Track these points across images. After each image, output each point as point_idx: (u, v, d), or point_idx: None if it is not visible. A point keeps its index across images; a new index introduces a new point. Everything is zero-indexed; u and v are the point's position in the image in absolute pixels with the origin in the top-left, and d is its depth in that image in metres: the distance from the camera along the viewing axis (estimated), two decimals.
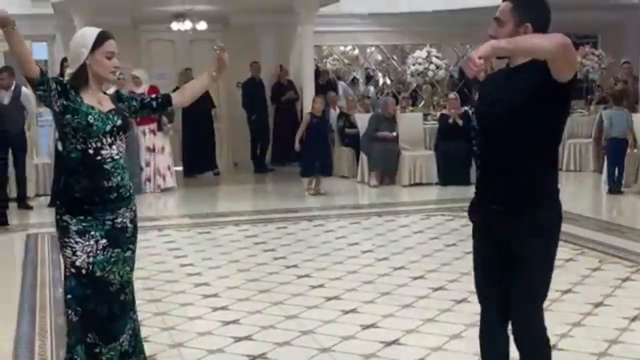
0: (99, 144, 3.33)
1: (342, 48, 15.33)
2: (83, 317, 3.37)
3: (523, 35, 2.72)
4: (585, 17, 13.38)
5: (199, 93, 3.79)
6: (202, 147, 11.83)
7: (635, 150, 9.77)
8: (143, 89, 10.11)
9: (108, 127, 3.34)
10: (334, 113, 11.83)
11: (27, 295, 5.60)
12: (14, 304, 5.35)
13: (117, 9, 11.45)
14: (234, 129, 12.90)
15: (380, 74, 16.48)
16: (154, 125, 10.46)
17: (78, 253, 3.34)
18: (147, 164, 10.46)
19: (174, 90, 4.03)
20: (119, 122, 3.40)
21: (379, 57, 16.15)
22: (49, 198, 9.28)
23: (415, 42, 13.93)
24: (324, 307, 5.06)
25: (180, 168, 11.75)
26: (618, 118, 9.74)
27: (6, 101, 8.86)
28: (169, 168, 10.64)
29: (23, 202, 9.24)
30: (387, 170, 10.66)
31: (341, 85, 14.47)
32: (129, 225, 3.46)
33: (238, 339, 4.46)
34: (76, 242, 3.33)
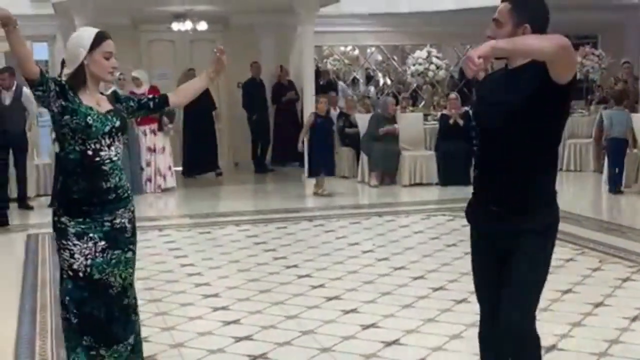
0: (97, 145, 3.31)
1: (342, 48, 15.32)
2: (80, 320, 3.34)
3: (522, 36, 2.71)
4: (586, 17, 13.38)
5: (196, 93, 3.77)
6: (203, 147, 11.80)
7: (635, 150, 9.78)
8: (143, 89, 10.11)
9: (107, 128, 3.32)
10: (334, 113, 11.82)
11: (28, 295, 5.60)
12: (14, 304, 5.36)
13: (117, 9, 11.45)
14: (234, 129, 12.91)
15: (380, 74, 16.48)
16: (154, 126, 10.46)
17: (76, 256, 3.31)
18: (148, 164, 10.46)
19: None
20: (118, 123, 3.38)
21: (379, 58, 16.15)
22: (49, 198, 9.27)
23: (415, 43, 13.92)
24: (324, 307, 5.06)
25: (179, 168, 11.74)
26: (618, 118, 9.74)
27: (7, 101, 8.87)
28: (169, 168, 10.65)
29: (23, 203, 9.25)
30: (387, 170, 10.66)
31: (340, 85, 14.47)
32: (128, 225, 3.43)
33: (238, 339, 4.46)
34: (74, 245, 3.30)
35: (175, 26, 11.82)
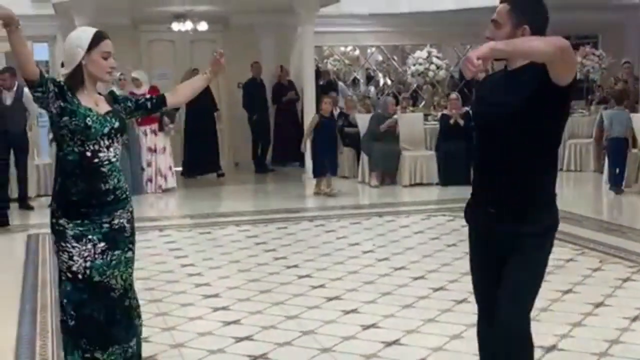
0: (96, 147, 3.28)
1: (342, 48, 15.33)
2: (78, 323, 3.32)
3: (521, 38, 2.69)
4: (586, 17, 13.38)
5: (194, 93, 3.76)
6: (204, 148, 11.77)
7: (635, 150, 9.78)
8: (144, 89, 10.11)
9: (106, 130, 3.30)
10: (334, 113, 11.83)
11: (28, 295, 5.60)
12: (15, 304, 5.36)
13: (117, 9, 11.46)
14: (234, 129, 12.91)
15: (380, 75, 16.48)
16: (155, 126, 10.47)
17: (75, 258, 3.29)
18: (149, 165, 10.46)
19: None
20: (117, 124, 3.36)
21: (380, 58, 16.16)
22: (49, 198, 9.25)
23: (415, 43, 13.93)
24: (324, 308, 5.06)
25: (179, 169, 11.73)
26: (618, 118, 9.75)
27: (9, 102, 8.87)
28: (170, 168, 10.65)
29: (24, 203, 9.25)
30: (387, 170, 10.66)
31: (339, 85, 14.46)
32: (127, 225, 3.42)
33: (239, 339, 4.46)
34: (73, 247, 3.28)
35: (176, 26, 11.82)
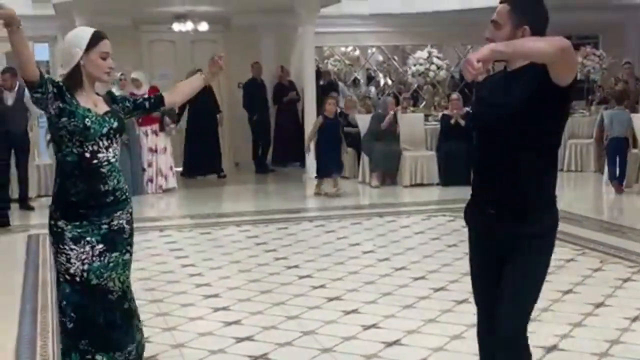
0: (95, 147, 3.27)
1: (343, 49, 15.33)
2: (77, 324, 3.31)
3: (522, 38, 2.67)
4: (586, 17, 13.38)
5: (192, 92, 3.77)
6: (206, 150, 11.74)
7: (635, 150, 9.78)
8: (144, 90, 10.11)
9: (105, 130, 3.29)
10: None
11: (29, 295, 5.61)
12: (15, 304, 5.36)
13: (118, 9, 11.46)
14: (235, 130, 12.91)
15: (381, 75, 16.48)
16: (156, 126, 10.47)
17: (72, 260, 3.28)
18: (150, 165, 10.46)
19: None
20: (116, 124, 3.35)
21: (380, 58, 16.16)
22: (50, 199, 9.27)
23: (416, 43, 13.93)
24: (325, 308, 5.06)
25: (179, 169, 11.72)
26: (619, 117, 9.76)
27: (10, 102, 8.87)
28: (171, 168, 10.66)
29: (25, 203, 9.26)
30: (388, 170, 10.66)
31: (339, 85, 14.46)
32: (126, 226, 3.40)
33: (239, 340, 4.46)
34: (71, 249, 3.27)
35: (176, 27, 11.83)
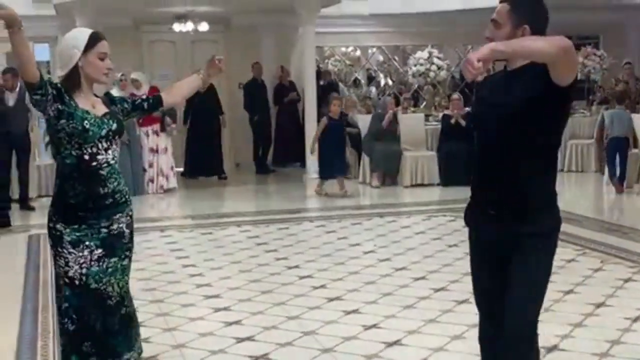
0: (94, 149, 3.25)
1: (343, 49, 15.33)
2: (79, 327, 3.29)
3: (522, 38, 2.66)
4: (587, 17, 13.38)
5: (190, 92, 3.75)
6: (208, 151, 11.69)
7: (635, 151, 9.77)
8: (144, 90, 10.10)
9: (104, 132, 3.26)
10: None
11: (30, 295, 5.61)
12: (16, 304, 5.37)
13: (119, 10, 11.47)
14: (235, 130, 12.90)
15: (381, 75, 16.47)
16: (157, 126, 10.47)
17: (70, 264, 3.26)
18: (150, 165, 10.46)
19: None
20: (115, 126, 3.32)
21: (381, 58, 16.15)
22: (50, 199, 9.28)
23: (416, 43, 13.93)
24: (325, 308, 5.06)
25: (180, 169, 11.72)
26: (619, 117, 9.76)
27: (11, 103, 8.86)
28: (172, 168, 10.66)
29: (25, 203, 9.25)
30: (388, 171, 10.66)
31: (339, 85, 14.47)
32: (126, 230, 3.38)
33: (240, 340, 4.47)
34: (69, 253, 3.25)
35: (177, 27, 11.83)
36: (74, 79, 3.27)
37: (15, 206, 9.03)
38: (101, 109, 3.34)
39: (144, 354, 3.69)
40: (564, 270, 5.72)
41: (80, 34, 3.32)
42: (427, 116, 11.52)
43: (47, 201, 9.47)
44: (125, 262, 3.40)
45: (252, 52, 12.61)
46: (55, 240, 3.30)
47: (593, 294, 5.22)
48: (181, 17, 11.70)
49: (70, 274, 3.27)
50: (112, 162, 3.32)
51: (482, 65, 2.44)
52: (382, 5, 13.30)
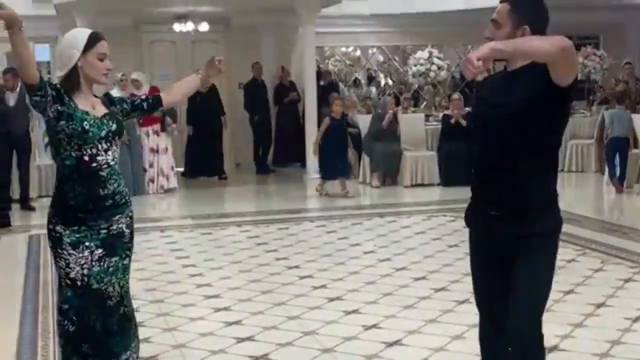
0: (94, 150, 3.23)
1: (343, 49, 15.34)
2: (79, 328, 3.28)
3: (522, 38, 2.66)
4: (587, 18, 13.38)
5: (189, 92, 3.74)
6: (209, 152, 11.68)
7: (636, 151, 9.77)
8: (144, 90, 10.10)
9: (103, 133, 3.25)
10: None
11: (30, 296, 5.61)
12: (16, 304, 5.37)
13: (119, 10, 11.47)
14: (236, 130, 12.90)
15: (382, 75, 16.48)
16: (157, 126, 10.47)
17: (71, 265, 3.24)
18: (151, 165, 10.46)
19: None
20: (114, 126, 3.31)
21: (381, 58, 16.15)
22: (50, 199, 9.28)
23: (416, 43, 13.93)
24: (325, 308, 5.07)
25: (180, 169, 11.72)
26: (619, 117, 9.76)
27: (12, 103, 8.86)
28: (172, 168, 10.66)
29: (26, 204, 9.26)
30: (389, 171, 10.66)
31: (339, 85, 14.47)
32: (126, 230, 3.36)
33: (240, 340, 4.47)
34: (69, 254, 3.24)
35: (177, 27, 11.83)
36: (73, 80, 3.26)
37: (15, 206, 9.03)
38: (101, 110, 3.32)
39: (144, 354, 3.69)
40: (565, 271, 5.72)
41: (80, 34, 3.30)
42: (427, 116, 11.52)
43: (47, 201, 9.40)
44: (126, 262, 3.40)
45: (252, 52, 12.61)
46: (55, 241, 3.28)
47: (593, 294, 5.22)
48: (181, 17, 11.70)
49: (72, 275, 3.26)
50: (112, 163, 3.31)
51: (482, 64, 2.44)
52: (382, 5, 13.30)
